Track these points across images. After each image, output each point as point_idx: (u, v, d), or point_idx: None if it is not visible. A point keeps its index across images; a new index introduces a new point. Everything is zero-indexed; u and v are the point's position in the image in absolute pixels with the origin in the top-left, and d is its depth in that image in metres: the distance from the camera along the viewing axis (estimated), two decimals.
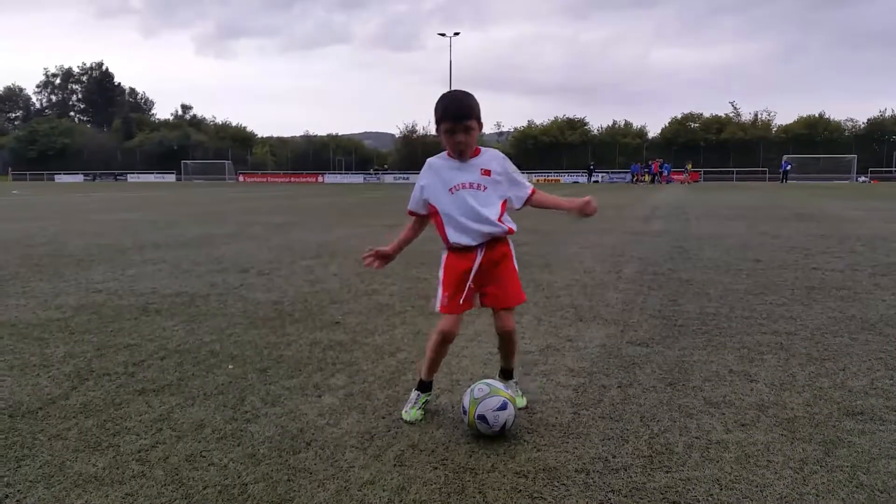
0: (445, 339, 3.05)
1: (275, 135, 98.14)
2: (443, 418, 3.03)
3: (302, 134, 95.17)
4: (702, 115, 74.92)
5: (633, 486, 2.39)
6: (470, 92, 2.97)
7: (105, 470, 2.54)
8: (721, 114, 74.66)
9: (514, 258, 3.08)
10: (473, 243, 2.95)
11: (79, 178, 78.51)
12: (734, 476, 2.47)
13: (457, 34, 70.19)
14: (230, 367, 3.81)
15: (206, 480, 2.46)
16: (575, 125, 77.77)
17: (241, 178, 74.76)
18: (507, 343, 3.15)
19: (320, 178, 72.79)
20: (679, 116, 75.75)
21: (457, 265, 2.98)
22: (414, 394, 3.13)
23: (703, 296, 5.80)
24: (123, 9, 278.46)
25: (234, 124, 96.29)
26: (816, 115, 71.09)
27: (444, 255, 3.07)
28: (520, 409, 3.09)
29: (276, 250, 9.15)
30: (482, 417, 2.78)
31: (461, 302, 2.98)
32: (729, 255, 8.53)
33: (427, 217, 3.12)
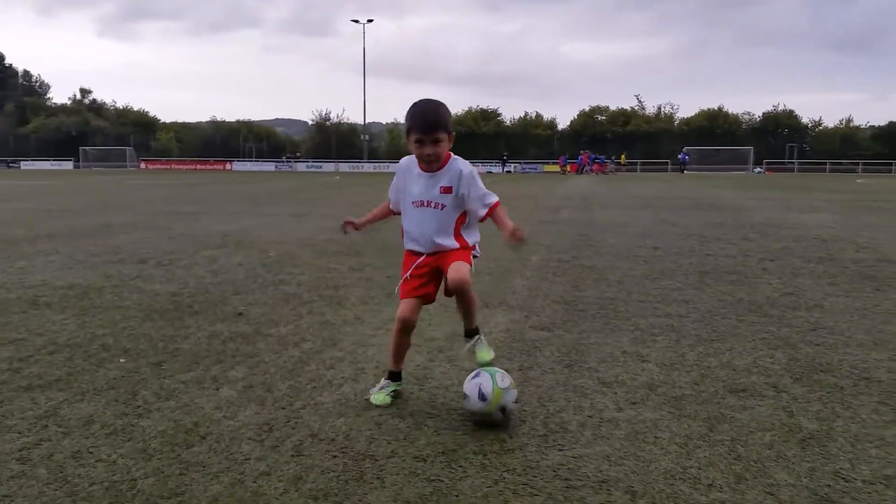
0: (403, 326, 3.08)
1: (180, 120, 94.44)
2: (345, 407, 3.01)
3: (209, 119, 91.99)
4: (608, 108, 77.25)
5: (528, 465, 2.46)
6: (441, 101, 2.98)
7: None
8: (627, 107, 77.23)
9: (469, 252, 3.10)
10: (423, 251, 3.08)
11: None
12: (623, 452, 2.57)
13: (370, 21, 69.64)
14: (122, 360, 3.66)
15: (93, 477, 2.36)
16: (489, 116, 78.62)
17: (143, 166, 71.68)
18: (462, 299, 3.04)
19: (229, 166, 70.64)
20: (587, 109, 77.88)
21: (411, 258, 3.13)
22: (383, 381, 3.16)
23: (602, 281, 6.00)
24: None
25: (136, 109, 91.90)
26: (716, 109, 74.60)
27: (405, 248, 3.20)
28: (485, 363, 3.13)
29: (178, 240, 8.83)
30: (503, 409, 2.79)
31: (416, 288, 3.07)
32: (630, 242, 8.86)
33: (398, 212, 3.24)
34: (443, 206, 3.01)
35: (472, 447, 2.60)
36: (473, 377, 2.90)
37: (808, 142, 72.61)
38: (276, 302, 5.12)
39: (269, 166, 70.32)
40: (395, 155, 75.36)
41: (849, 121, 74.23)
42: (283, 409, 2.99)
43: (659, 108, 77.51)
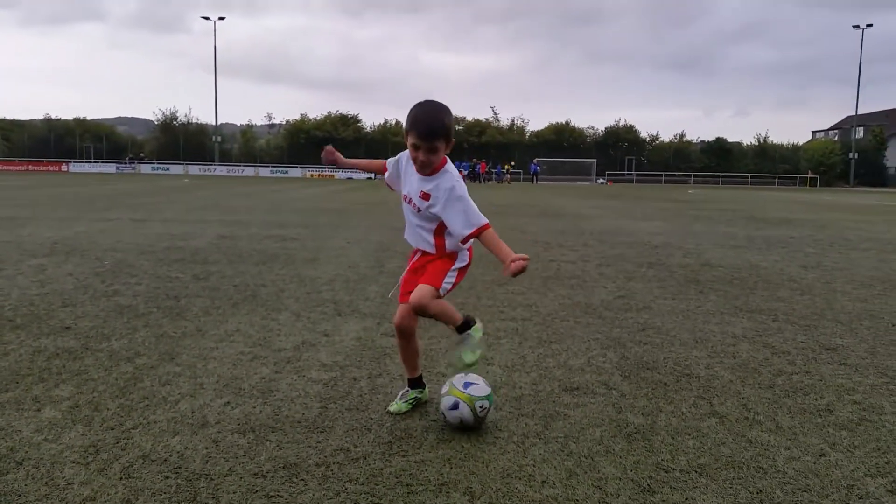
0: (398, 333, 3.10)
1: (9, 117, 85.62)
2: (181, 425, 2.87)
3: (43, 117, 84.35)
4: (465, 118, 79.07)
5: (371, 473, 2.46)
6: (445, 106, 2.84)
7: None
8: (482, 118, 79.38)
9: (451, 265, 3.00)
10: (412, 245, 3.13)
11: None
12: (464, 454, 2.64)
13: (222, 18, 67.16)
14: None
15: None
16: (348, 121, 77.91)
17: None
18: (429, 317, 2.99)
19: (65, 167, 65.28)
20: None
21: (411, 254, 3.16)
22: (404, 389, 3.18)
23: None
24: None
25: None
26: (563, 123, 78.48)
27: None
28: (469, 364, 3.08)
29: (1, 248, 8.04)
30: (443, 414, 2.91)
31: (406, 293, 3.04)
32: (481, 248, 9.07)
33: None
34: (419, 210, 2.96)
35: (315, 460, 2.57)
36: (452, 408, 2.86)
37: (645, 154, 78.13)
38: (109, 314, 4.78)
39: (110, 168, 65.77)
40: (250, 157, 72.91)
41: (682, 136, 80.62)
42: (112, 429, 2.80)
43: (512, 121, 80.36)
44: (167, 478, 2.39)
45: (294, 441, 2.73)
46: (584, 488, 2.40)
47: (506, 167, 61.49)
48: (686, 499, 2.34)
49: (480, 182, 56.69)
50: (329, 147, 3.41)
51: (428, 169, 2.88)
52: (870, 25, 64.13)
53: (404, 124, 2.87)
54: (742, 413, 3.17)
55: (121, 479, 2.38)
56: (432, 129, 2.78)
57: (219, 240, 9.39)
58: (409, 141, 2.83)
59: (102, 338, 4.17)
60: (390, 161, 3.16)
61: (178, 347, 4.00)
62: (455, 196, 2.84)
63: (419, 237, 3.05)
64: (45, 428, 2.79)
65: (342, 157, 3.42)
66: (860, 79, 66.48)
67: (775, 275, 7.33)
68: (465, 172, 59.83)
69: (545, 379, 3.58)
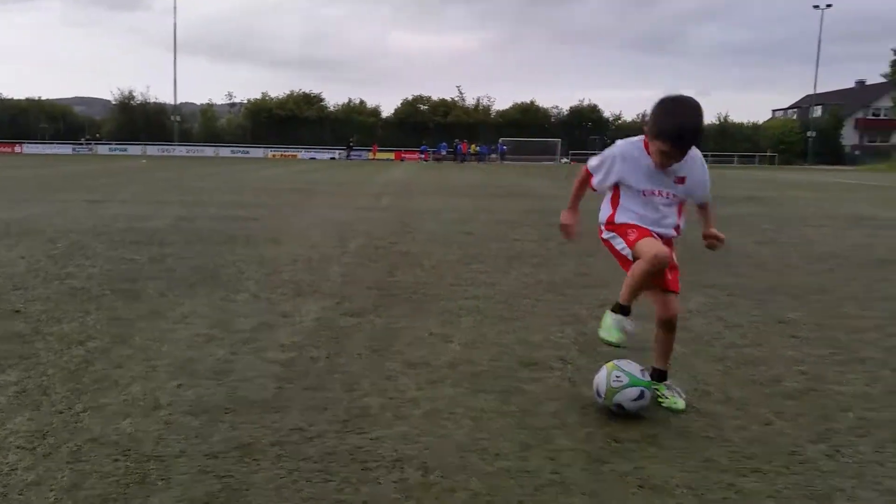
0: (661, 263, 2.80)
1: None
2: (132, 407, 2.82)
3: None
4: (431, 97, 78.54)
5: (326, 452, 2.45)
6: (698, 103, 2.74)
7: None
8: (448, 97, 78.95)
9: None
10: (653, 230, 2.95)
11: None
12: (420, 430, 2.65)
13: None
14: None
15: None
16: (312, 100, 76.82)
17: None
18: (668, 332, 3.03)
19: (18, 148, 63.40)
20: (410, 98, 78.65)
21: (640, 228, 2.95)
22: (613, 318, 2.95)
23: (417, 266, 6.13)
24: None
25: None
26: (528, 102, 78.45)
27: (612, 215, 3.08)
28: (680, 410, 2.92)
29: None
30: (619, 406, 2.81)
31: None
32: (446, 228, 9.11)
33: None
34: (674, 196, 2.93)
35: (269, 440, 2.55)
36: (638, 398, 2.85)
37: (608, 134, 78.55)
38: (61, 297, 4.67)
39: (66, 149, 64.11)
40: (212, 137, 71.57)
41: (644, 115, 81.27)
42: (61, 413, 2.74)
43: (478, 100, 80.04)
44: (116, 460, 2.35)
45: (248, 422, 2.71)
46: (537, 460, 2.43)
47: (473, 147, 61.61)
48: (636, 468, 2.39)
49: (462, 162, 56.51)
50: (566, 232, 3.34)
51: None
52: (829, 6, 65.17)
53: (655, 123, 2.76)
54: (693, 385, 3.23)
55: (68, 462, 2.33)
56: (696, 138, 2.76)
57: (177, 221, 9.23)
58: (660, 147, 2.75)
59: (53, 321, 4.07)
60: (594, 167, 3.13)
61: (132, 330, 3.93)
62: (705, 163, 3.00)
63: (666, 228, 2.98)
64: None
65: (574, 215, 3.37)
66: (819, 58, 67.66)
67: (732, 251, 7.46)
68: (444, 153, 59.88)
69: (504, 355, 3.60)
